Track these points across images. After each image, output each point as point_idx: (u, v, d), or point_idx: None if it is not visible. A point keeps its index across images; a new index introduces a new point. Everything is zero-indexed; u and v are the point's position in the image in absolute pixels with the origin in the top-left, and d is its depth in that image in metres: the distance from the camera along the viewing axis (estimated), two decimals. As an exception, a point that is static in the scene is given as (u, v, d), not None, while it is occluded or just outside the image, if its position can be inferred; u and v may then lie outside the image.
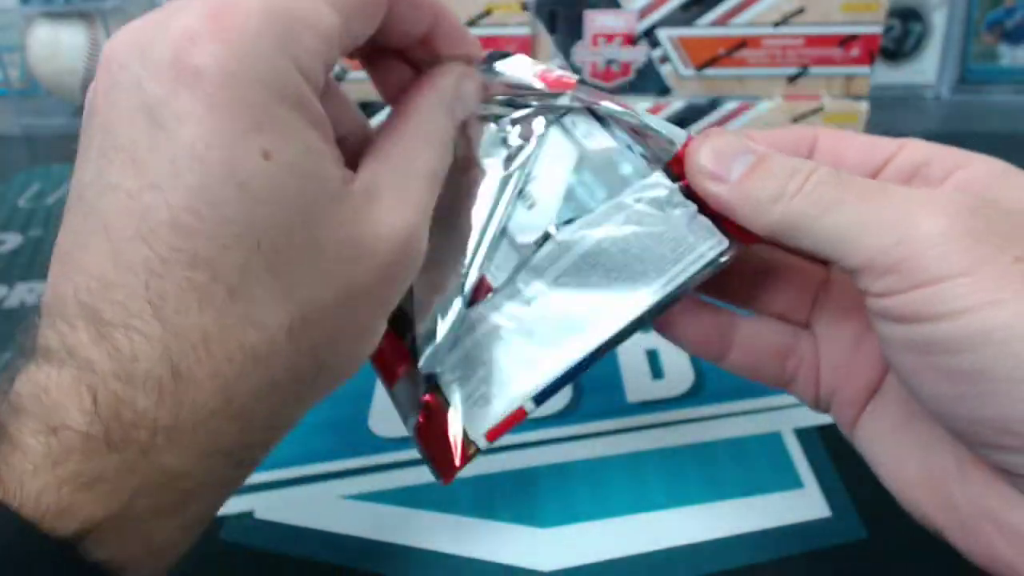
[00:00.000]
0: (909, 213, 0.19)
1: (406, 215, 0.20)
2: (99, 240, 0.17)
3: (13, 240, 0.52)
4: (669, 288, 0.23)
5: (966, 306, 0.18)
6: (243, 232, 0.17)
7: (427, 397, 0.24)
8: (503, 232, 0.24)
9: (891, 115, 0.68)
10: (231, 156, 0.17)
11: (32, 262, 0.49)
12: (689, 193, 0.23)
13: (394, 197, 0.20)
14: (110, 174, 0.18)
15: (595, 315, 0.23)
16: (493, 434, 0.23)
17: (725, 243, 0.23)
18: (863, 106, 0.53)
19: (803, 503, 0.29)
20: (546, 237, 0.24)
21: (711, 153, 0.22)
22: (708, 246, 0.23)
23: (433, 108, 0.23)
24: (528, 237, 0.24)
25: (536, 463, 0.31)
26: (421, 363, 0.24)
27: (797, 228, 0.21)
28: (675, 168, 0.24)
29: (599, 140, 0.25)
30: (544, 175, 0.25)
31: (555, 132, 0.25)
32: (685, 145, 0.24)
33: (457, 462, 0.23)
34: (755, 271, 0.26)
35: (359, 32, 0.21)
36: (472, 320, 0.24)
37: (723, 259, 0.23)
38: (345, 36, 0.20)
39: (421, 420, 0.24)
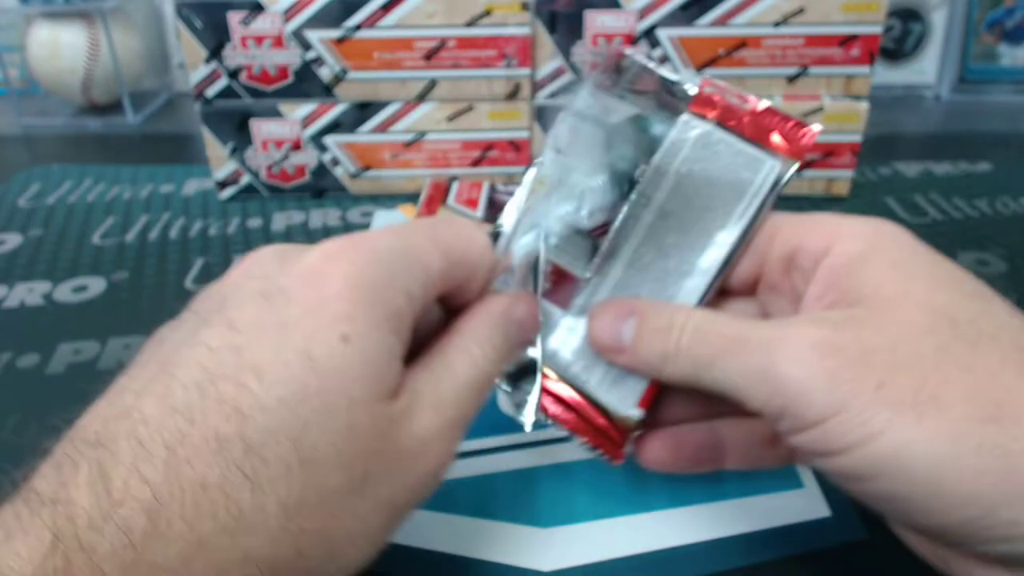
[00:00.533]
0: (772, 365, 0.20)
1: (437, 430, 0.21)
2: (161, 378, 0.18)
3: (13, 240, 0.52)
4: (743, 223, 0.25)
5: (852, 441, 0.19)
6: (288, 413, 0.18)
7: (562, 395, 0.26)
8: (564, 227, 0.26)
9: (891, 115, 0.68)
10: (313, 331, 0.18)
11: (32, 262, 0.49)
12: (724, 126, 0.25)
13: (431, 412, 0.21)
14: (201, 333, 0.19)
15: (687, 266, 0.25)
16: (644, 402, 0.25)
17: (778, 165, 0.25)
18: (863, 106, 0.53)
19: (803, 503, 0.29)
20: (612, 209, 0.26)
21: (601, 330, 0.25)
22: (763, 175, 0.25)
23: (481, 321, 0.24)
24: (596, 219, 0.26)
25: (536, 463, 0.31)
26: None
27: (691, 382, 0.23)
28: (699, 108, 0.25)
29: (619, 111, 0.26)
30: (579, 164, 0.26)
31: (570, 120, 0.26)
32: (702, 86, 0.25)
33: (620, 441, 0.26)
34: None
35: (457, 276, 0.23)
36: (579, 308, 0.26)
37: (783, 180, 0.25)
38: (446, 277, 0.22)
39: (568, 417, 0.26)
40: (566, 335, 0.26)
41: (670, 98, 0.26)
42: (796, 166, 0.25)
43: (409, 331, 0.21)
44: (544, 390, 0.26)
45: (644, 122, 0.26)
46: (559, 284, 0.26)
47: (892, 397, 0.19)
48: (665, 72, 0.26)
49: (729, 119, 0.25)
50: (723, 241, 0.25)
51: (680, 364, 0.23)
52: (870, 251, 0.22)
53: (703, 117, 0.25)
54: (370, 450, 0.19)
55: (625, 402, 0.25)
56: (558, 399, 0.26)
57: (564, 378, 0.26)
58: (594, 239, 0.26)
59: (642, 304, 0.25)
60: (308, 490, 0.18)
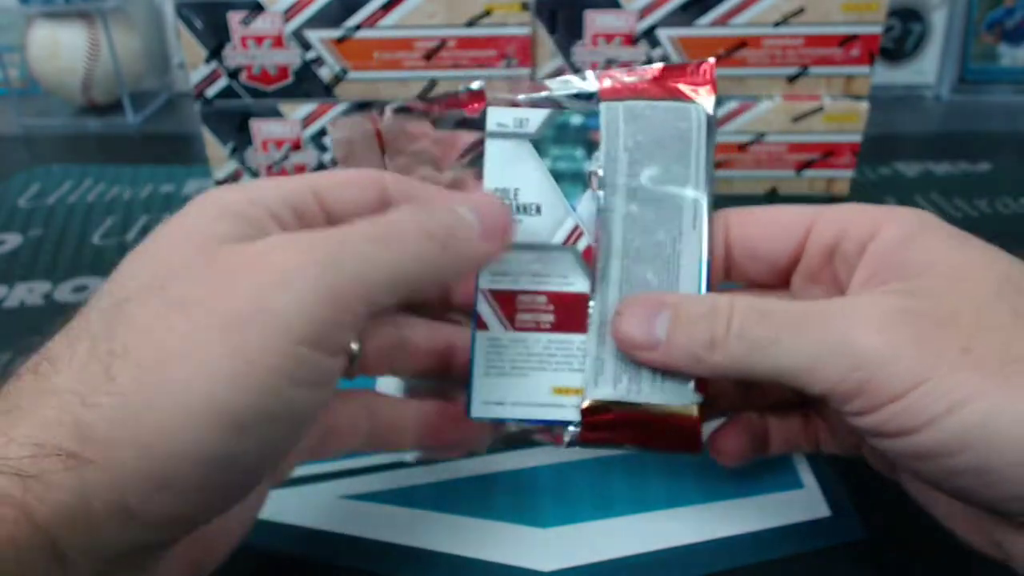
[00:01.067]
0: (849, 337, 0.19)
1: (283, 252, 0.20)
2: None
3: (13, 240, 0.52)
4: (702, 168, 0.25)
5: (937, 412, 0.18)
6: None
7: (606, 417, 0.25)
8: (540, 247, 0.26)
9: (891, 115, 0.68)
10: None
11: (32, 262, 0.49)
12: (641, 97, 0.26)
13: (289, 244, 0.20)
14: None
15: (675, 231, 0.25)
16: (702, 386, 0.25)
17: (700, 107, 0.26)
18: (863, 106, 0.53)
19: (803, 503, 0.29)
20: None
21: (631, 327, 0.23)
22: (694, 119, 0.25)
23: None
24: (564, 230, 0.26)
25: (536, 463, 0.31)
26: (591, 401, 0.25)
27: (743, 369, 0.22)
28: (609, 96, 0.26)
29: (534, 118, 0.26)
30: (522, 184, 0.26)
31: (492, 144, 0.26)
32: (600, 79, 0.26)
33: (694, 432, 0.25)
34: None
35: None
36: (597, 324, 0.25)
37: (711, 115, 0.26)
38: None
39: (627, 435, 0.25)
40: (595, 362, 0.25)
41: (578, 102, 0.26)
42: (713, 99, 0.26)
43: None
44: (588, 425, 0.25)
45: (565, 117, 0.26)
46: (564, 311, 0.25)
47: (978, 361, 0.18)
48: (554, 87, 0.26)
49: (640, 91, 0.26)
50: (694, 195, 0.25)
51: (732, 349, 0.21)
52: (919, 230, 0.22)
53: (617, 99, 0.26)
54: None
55: (682, 393, 0.24)
56: (610, 423, 0.25)
57: (615, 401, 0.25)
58: (572, 248, 0.25)
59: (672, 296, 0.24)
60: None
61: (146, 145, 0.68)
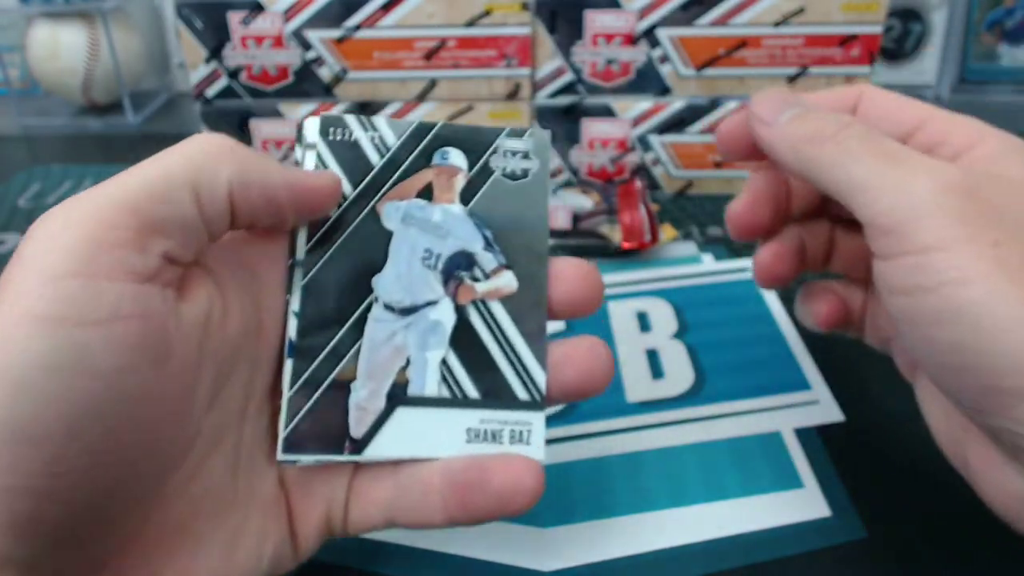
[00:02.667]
0: (915, 182, 0.21)
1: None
2: None
3: (13, 240, 0.51)
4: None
5: (941, 281, 0.19)
6: None
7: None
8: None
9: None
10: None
11: (32, 262, 0.49)
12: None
13: None
14: None
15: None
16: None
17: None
18: (863, 106, 0.53)
19: (803, 503, 0.29)
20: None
21: (764, 102, 0.25)
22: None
23: None
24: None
25: (536, 463, 0.31)
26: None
27: (820, 170, 0.23)
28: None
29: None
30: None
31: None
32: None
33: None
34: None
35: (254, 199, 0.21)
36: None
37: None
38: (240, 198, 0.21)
39: None
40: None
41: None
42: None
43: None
44: None
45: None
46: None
47: (1002, 255, 0.19)
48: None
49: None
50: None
51: (824, 149, 0.23)
52: (1013, 154, 0.23)
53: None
54: None
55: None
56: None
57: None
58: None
59: (813, 98, 0.26)
60: None
61: (146, 145, 0.68)
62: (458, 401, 0.23)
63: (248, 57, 0.53)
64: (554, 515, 0.29)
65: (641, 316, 0.41)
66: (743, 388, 0.35)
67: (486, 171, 0.25)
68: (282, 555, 0.23)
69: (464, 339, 0.24)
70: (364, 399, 0.23)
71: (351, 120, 0.24)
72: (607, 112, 0.54)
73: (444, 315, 0.24)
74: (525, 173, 0.25)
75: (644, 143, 0.54)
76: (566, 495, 0.30)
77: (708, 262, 0.46)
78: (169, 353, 0.19)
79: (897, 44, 0.73)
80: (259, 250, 0.23)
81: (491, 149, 0.25)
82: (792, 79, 0.53)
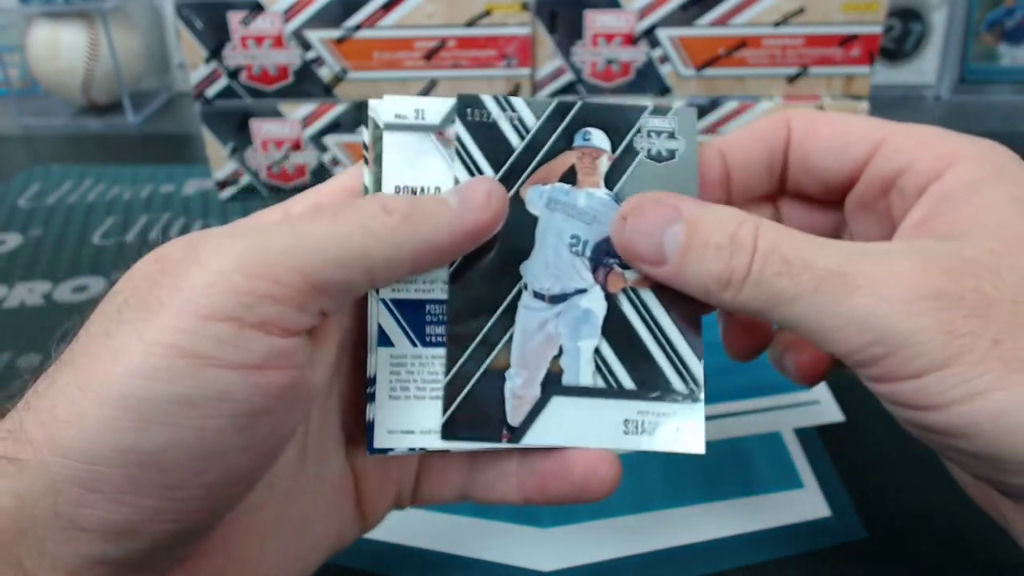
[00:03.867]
0: (878, 314, 0.18)
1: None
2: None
3: (13, 240, 0.52)
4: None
5: (955, 398, 0.18)
6: None
7: None
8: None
9: (891, 115, 0.68)
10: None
11: (32, 262, 0.49)
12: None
13: None
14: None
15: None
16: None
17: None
18: (863, 106, 0.53)
19: (803, 503, 0.29)
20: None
21: (635, 232, 0.21)
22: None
23: None
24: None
25: (536, 463, 0.31)
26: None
27: (759, 314, 0.20)
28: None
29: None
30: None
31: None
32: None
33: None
34: None
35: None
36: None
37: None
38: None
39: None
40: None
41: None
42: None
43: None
44: None
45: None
46: None
47: (1007, 355, 0.17)
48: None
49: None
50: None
51: (747, 296, 0.19)
52: (988, 180, 0.20)
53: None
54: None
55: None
56: None
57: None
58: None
59: (690, 205, 0.21)
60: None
61: (146, 145, 0.68)
62: (613, 391, 0.23)
63: (248, 57, 0.53)
64: (554, 515, 0.29)
65: (641, 316, 0.41)
66: (743, 388, 0.35)
67: (631, 152, 0.24)
68: (348, 533, 0.23)
69: (616, 328, 0.23)
70: (520, 387, 0.23)
71: (488, 100, 0.23)
72: (607, 112, 0.54)
73: (595, 304, 0.23)
74: (672, 154, 0.24)
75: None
76: (566, 495, 0.30)
77: (708, 262, 0.46)
78: (303, 399, 0.19)
79: (897, 44, 0.73)
80: None
81: (634, 129, 0.24)
82: (792, 79, 0.53)
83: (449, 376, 0.22)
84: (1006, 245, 0.19)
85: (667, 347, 0.23)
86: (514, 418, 0.22)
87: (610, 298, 0.23)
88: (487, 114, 0.23)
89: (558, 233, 0.23)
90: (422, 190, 0.23)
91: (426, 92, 0.54)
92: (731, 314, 0.25)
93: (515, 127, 0.23)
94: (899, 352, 0.18)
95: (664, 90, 0.54)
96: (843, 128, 0.23)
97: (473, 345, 0.23)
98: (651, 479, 0.30)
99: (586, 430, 0.23)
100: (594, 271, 0.23)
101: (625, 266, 0.23)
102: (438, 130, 0.23)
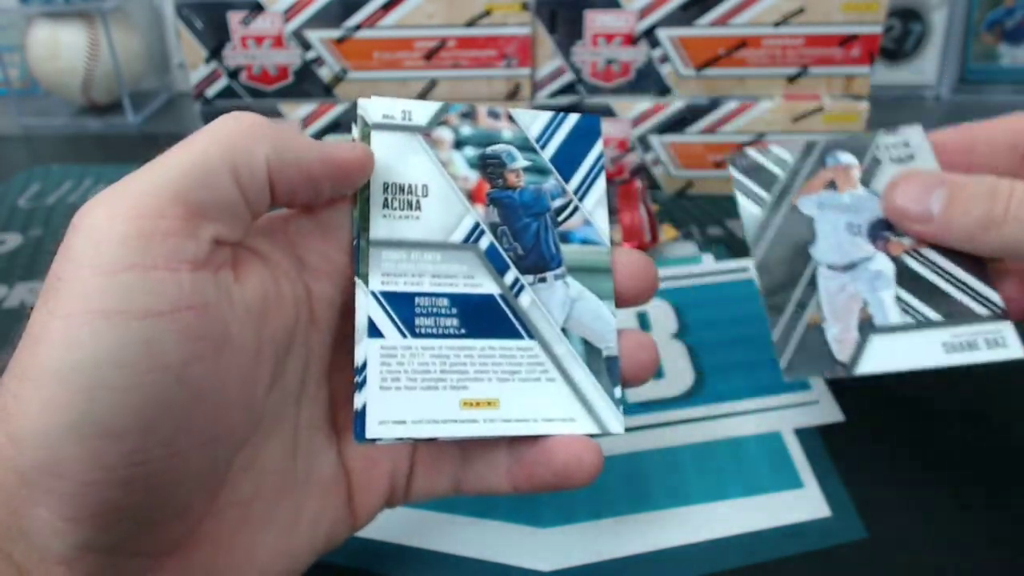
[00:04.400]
0: None
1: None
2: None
3: (13, 240, 0.52)
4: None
5: None
6: None
7: None
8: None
9: (891, 115, 0.68)
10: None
11: (32, 262, 0.49)
12: None
13: None
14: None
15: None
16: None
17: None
18: (863, 106, 0.53)
19: (803, 503, 0.29)
20: None
21: (905, 198, 0.25)
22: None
23: None
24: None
25: (536, 463, 0.31)
26: None
27: (1014, 251, 0.23)
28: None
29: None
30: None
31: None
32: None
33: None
34: None
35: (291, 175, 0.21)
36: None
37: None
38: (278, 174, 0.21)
39: None
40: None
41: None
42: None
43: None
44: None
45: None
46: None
47: None
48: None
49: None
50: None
51: (1008, 232, 0.23)
52: None
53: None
54: None
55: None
56: None
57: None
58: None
59: (951, 175, 0.25)
60: None
61: (146, 145, 0.68)
62: (923, 324, 0.28)
63: (248, 57, 0.53)
64: (554, 515, 0.29)
65: (641, 316, 0.41)
66: (743, 388, 0.35)
67: (875, 161, 0.31)
68: (339, 530, 0.24)
69: (909, 280, 0.28)
70: (838, 333, 0.28)
71: (751, 152, 0.32)
72: (607, 112, 0.54)
73: (882, 265, 0.29)
74: (910, 157, 0.30)
75: (644, 143, 0.54)
76: (566, 495, 0.30)
77: (708, 262, 0.46)
78: (229, 339, 0.19)
79: (897, 44, 0.73)
80: (305, 239, 0.23)
81: (874, 145, 0.31)
82: (792, 79, 0.53)
83: (778, 334, 0.29)
84: None
85: (961, 285, 0.28)
86: (842, 355, 0.28)
87: (896, 260, 0.29)
88: (752, 161, 0.32)
89: (834, 223, 0.30)
90: (409, 188, 0.24)
91: (426, 92, 0.54)
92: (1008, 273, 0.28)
93: (775, 163, 0.32)
94: None
95: (664, 90, 0.54)
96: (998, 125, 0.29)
97: (789, 311, 0.29)
98: (651, 479, 0.30)
99: (909, 355, 0.27)
100: (873, 243, 0.29)
101: (899, 236, 0.29)
102: (425, 131, 0.24)
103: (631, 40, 0.52)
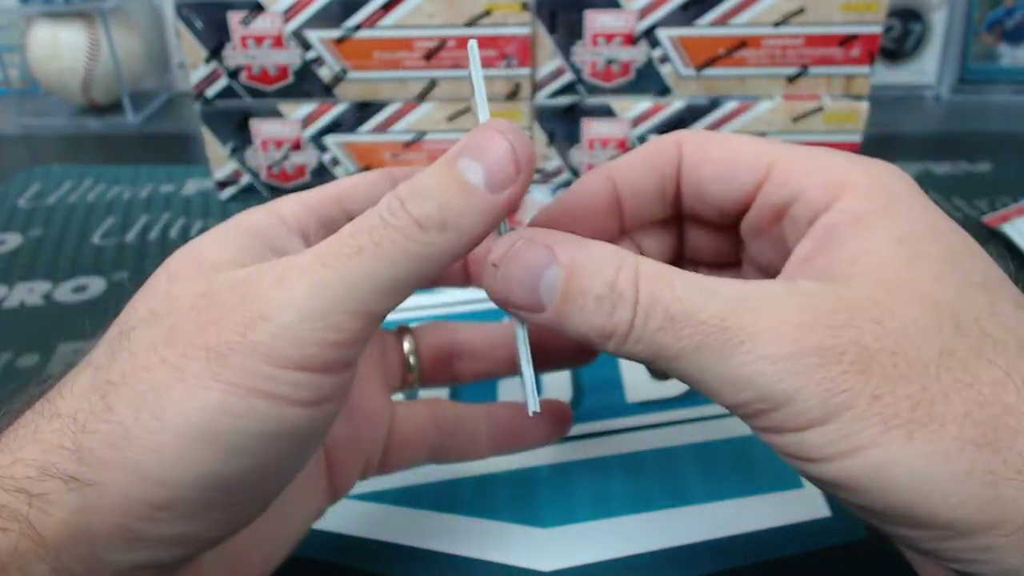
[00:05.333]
0: (754, 374, 0.18)
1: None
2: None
3: (13, 240, 0.52)
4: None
5: (833, 453, 0.18)
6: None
7: None
8: None
9: (891, 115, 0.68)
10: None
11: (32, 262, 0.49)
12: None
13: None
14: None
15: None
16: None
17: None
18: (863, 106, 0.53)
19: (803, 503, 0.29)
20: None
21: (510, 283, 0.20)
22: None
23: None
24: None
25: (536, 463, 0.31)
26: None
27: (644, 363, 0.19)
28: None
29: None
30: None
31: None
32: None
33: None
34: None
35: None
36: None
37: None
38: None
39: None
40: None
41: None
42: None
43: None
44: None
45: None
46: None
47: (886, 411, 0.17)
48: None
49: None
50: None
51: (630, 349, 0.19)
52: (877, 216, 0.19)
53: None
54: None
55: None
56: None
57: None
58: None
59: (566, 244, 0.19)
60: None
61: (146, 145, 0.68)
62: None
63: (248, 57, 0.53)
64: (554, 515, 0.29)
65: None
66: (743, 388, 0.35)
67: None
68: (324, 505, 0.25)
69: None
70: None
71: None
72: (607, 112, 0.54)
73: None
74: None
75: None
76: (566, 495, 0.30)
77: (708, 262, 0.46)
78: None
79: (897, 44, 0.73)
80: None
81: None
82: (792, 79, 0.53)
83: None
84: (887, 291, 0.18)
85: None
86: None
87: None
88: None
89: None
90: None
91: (426, 92, 0.54)
92: None
93: None
94: (782, 408, 0.18)
95: (664, 90, 0.54)
96: (731, 153, 0.22)
97: None
98: (651, 479, 0.30)
99: None
100: None
101: None
102: None
103: (631, 40, 0.52)
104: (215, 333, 0.18)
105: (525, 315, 0.20)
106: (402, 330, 0.28)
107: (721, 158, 0.22)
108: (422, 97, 0.54)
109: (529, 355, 0.21)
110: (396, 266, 0.19)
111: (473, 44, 0.21)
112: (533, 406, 0.21)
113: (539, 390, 0.26)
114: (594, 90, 0.54)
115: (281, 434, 0.18)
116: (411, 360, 0.27)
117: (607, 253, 0.19)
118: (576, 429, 0.33)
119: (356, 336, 0.19)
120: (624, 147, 0.54)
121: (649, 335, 0.18)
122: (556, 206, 0.23)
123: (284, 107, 0.54)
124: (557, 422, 0.28)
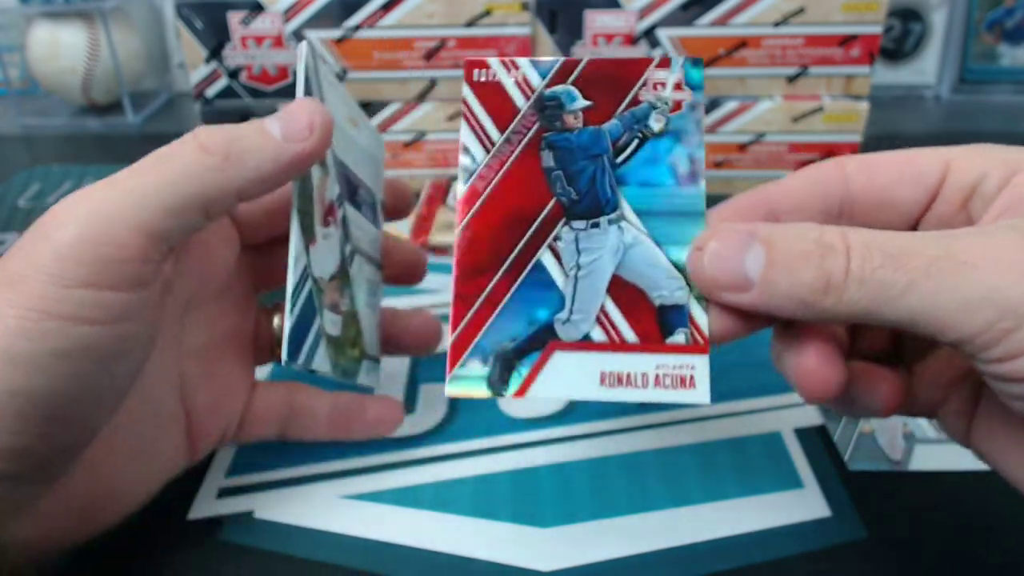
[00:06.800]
0: (996, 288, 0.17)
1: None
2: None
3: (13, 240, 0.51)
4: None
5: None
6: None
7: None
8: None
9: (891, 115, 0.68)
10: None
11: (32, 262, 0.49)
12: None
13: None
14: None
15: None
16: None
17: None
18: (863, 106, 0.53)
19: (803, 503, 0.29)
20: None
21: (715, 266, 0.20)
22: None
23: None
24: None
25: (536, 463, 0.31)
26: None
27: (864, 316, 0.19)
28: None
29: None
30: None
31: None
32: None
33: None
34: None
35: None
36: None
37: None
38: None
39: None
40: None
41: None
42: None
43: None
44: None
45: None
46: None
47: None
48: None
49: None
50: None
51: (851, 297, 0.18)
52: None
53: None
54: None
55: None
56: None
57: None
58: None
59: (764, 226, 0.20)
60: None
61: (146, 145, 0.68)
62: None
63: (248, 57, 0.53)
64: (554, 515, 0.29)
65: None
66: (743, 388, 0.35)
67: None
68: (182, 462, 0.28)
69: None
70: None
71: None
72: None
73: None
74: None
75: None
76: (566, 495, 0.30)
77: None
78: (155, 339, 0.23)
79: (897, 44, 0.73)
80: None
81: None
82: (792, 79, 0.53)
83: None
84: None
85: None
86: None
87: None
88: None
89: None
90: None
91: (426, 92, 0.54)
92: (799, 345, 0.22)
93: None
94: (1020, 326, 0.17)
95: (664, 90, 0.54)
96: (907, 157, 0.22)
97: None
98: (651, 479, 0.30)
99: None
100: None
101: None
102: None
103: (631, 40, 0.52)
104: (12, 262, 0.20)
105: (733, 297, 0.20)
106: (277, 307, 0.31)
107: (898, 163, 0.23)
108: (422, 97, 0.54)
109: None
110: (177, 185, 0.22)
111: (303, 45, 0.27)
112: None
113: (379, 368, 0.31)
114: (594, 90, 0.54)
115: (74, 353, 0.20)
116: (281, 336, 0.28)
117: (804, 223, 0.20)
118: (576, 429, 0.33)
119: (141, 253, 0.21)
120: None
121: (871, 275, 0.18)
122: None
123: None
124: (386, 411, 0.32)
